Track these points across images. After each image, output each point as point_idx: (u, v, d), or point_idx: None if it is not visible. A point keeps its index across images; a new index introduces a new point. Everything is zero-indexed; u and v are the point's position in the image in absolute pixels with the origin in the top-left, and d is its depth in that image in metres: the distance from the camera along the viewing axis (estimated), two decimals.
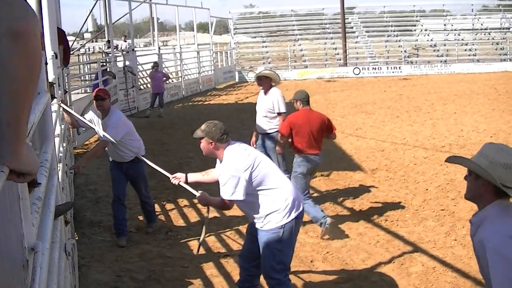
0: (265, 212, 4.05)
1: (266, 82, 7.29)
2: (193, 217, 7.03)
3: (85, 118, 6.07)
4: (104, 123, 6.02)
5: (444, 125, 12.97)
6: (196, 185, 4.85)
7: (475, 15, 33.61)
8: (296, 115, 6.45)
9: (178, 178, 4.68)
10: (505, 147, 2.42)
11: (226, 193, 4.03)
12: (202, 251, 5.90)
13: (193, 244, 6.13)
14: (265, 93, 7.32)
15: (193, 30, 26.14)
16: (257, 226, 4.17)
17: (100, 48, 26.09)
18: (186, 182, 4.66)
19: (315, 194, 7.86)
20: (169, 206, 7.52)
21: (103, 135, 5.88)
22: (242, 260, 4.50)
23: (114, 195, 6.27)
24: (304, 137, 6.30)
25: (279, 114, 7.18)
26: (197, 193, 4.38)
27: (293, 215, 4.06)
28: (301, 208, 4.15)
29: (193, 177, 4.72)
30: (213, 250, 5.87)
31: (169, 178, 4.82)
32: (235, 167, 3.99)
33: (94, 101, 6.06)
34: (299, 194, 4.28)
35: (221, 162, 4.16)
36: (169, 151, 11.09)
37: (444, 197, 7.47)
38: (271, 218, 4.05)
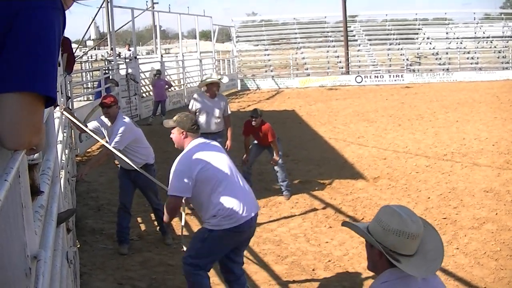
0: (207, 216, 4.04)
1: (215, 87, 7.91)
2: (195, 225, 7.01)
3: (87, 127, 6.08)
4: (110, 130, 6.00)
5: (446, 133, 12.96)
6: None
7: (477, 24, 33.65)
8: (269, 125, 8.18)
9: None
10: (399, 211, 2.21)
11: (170, 188, 3.98)
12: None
13: None
14: (214, 96, 7.89)
15: (196, 38, 26.21)
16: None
17: (102, 55, 26.15)
18: None
19: (317, 202, 7.87)
20: None
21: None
22: None
23: (121, 203, 6.23)
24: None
25: (227, 116, 7.98)
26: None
27: (226, 226, 3.98)
28: (241, 222, 4.01)
29: None
30: None
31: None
32: (186, 162, 3.96)
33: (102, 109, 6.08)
34: (250, 208, 4.09)
35: None
36: (170, 158, 11.00)
37: (446, 206, 7.46)
38: (209, 220, 4.05)
